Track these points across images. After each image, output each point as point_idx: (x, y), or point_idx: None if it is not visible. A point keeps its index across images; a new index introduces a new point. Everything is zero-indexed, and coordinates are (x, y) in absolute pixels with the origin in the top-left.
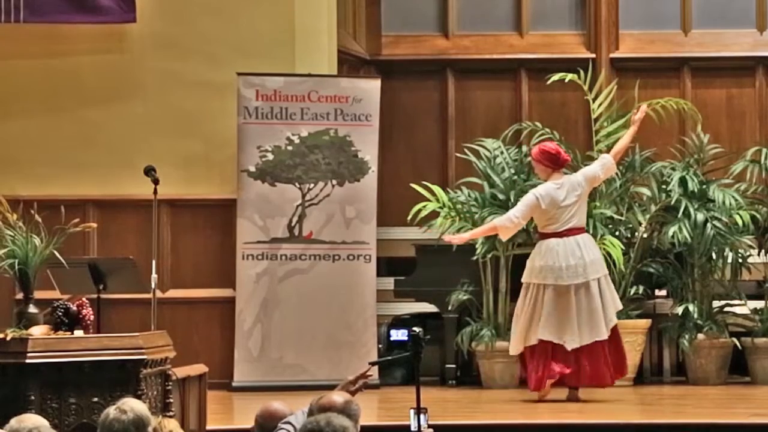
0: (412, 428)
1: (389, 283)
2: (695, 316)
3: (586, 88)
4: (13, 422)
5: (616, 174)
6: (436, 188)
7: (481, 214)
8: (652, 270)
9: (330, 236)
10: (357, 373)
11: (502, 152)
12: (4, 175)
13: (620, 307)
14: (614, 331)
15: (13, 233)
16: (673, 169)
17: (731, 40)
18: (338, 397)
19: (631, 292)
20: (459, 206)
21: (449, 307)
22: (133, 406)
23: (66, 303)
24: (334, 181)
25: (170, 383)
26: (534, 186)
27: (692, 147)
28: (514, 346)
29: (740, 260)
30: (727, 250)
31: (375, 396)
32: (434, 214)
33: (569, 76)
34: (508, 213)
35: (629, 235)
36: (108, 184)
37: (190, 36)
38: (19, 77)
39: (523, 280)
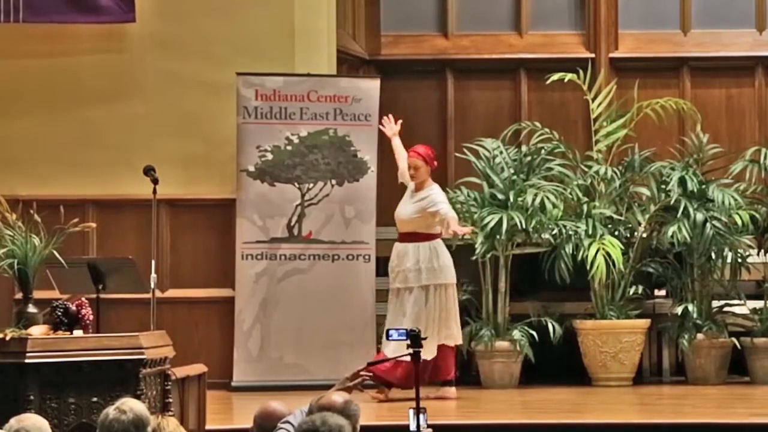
0: (412, 428)
1: (389, 283)
2: (694, 315)
3: (585, 87)
4: (13, 422)
5: (615, 174)
6: None
7: (480, 213)
8: (651, 270)
9: (329, 236)
10: (353, 371)
11: (501, 152)
12: (4, 175)
13: None
14: None
15: (12, 233)
16: (673, 168)
17: (731, 40)
18: (338, 397)
19: (631, 292)
20: (458, 206)
21: None
22: (132, 406)
23: (65, 303)
24: (334, 181)
25: (169, 383)
26: (533, 186)
27: (692, 147)
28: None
29: (739, 260)
30: (726, 249)
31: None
32: None
33: (568, 76)
34: (451, 211)
35: (628, 235)
36: (107, 184)
37: (189, 36)
38: (19, 77)
39: (431, 282)
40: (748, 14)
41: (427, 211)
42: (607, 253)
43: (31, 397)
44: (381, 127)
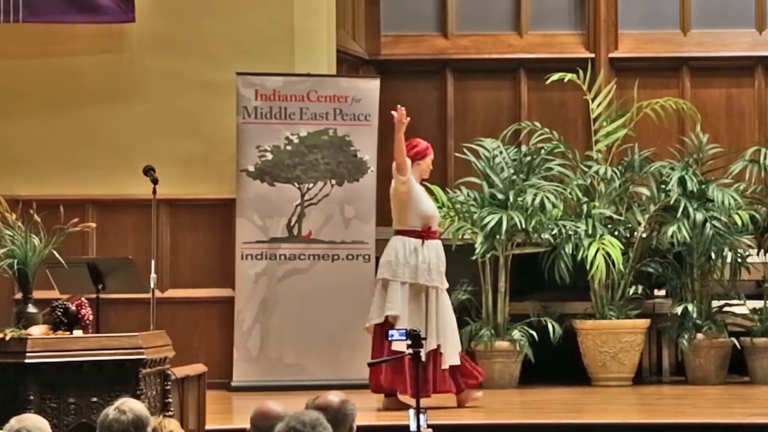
0: (412, 428)
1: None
2: (694, 315)
3: (585, 87)
4: (13, 422)
5: (615, 174)
6: (435, 188)
7: (480, 213)
8: (651, 270)
9: (329, 236)
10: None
11: (501, 152)
12: (4, 175)
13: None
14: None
15: (12, 233)
16: (673, 168)
17: (730, 39)
18: (334, 397)
19: (630, 292)
20: (458, 206)
21: None
22: (132, 406)
23: (65, 303)
24: (333, 181)
25: (169, 383)
26: (533, 186)
27: (691, 147)
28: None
29: (739, 260)
30: (726, 249)
31: (374, 396)
32: None
33: (568, 76)
34: None
35: (628, 235)
36: (107, 184)
37: (189, 36)
38: (18, 77)
39: (445, 284)
40: (748, 14)
41: None
42: (607, 253)
43: (31, 397)
44: (396, 114)
